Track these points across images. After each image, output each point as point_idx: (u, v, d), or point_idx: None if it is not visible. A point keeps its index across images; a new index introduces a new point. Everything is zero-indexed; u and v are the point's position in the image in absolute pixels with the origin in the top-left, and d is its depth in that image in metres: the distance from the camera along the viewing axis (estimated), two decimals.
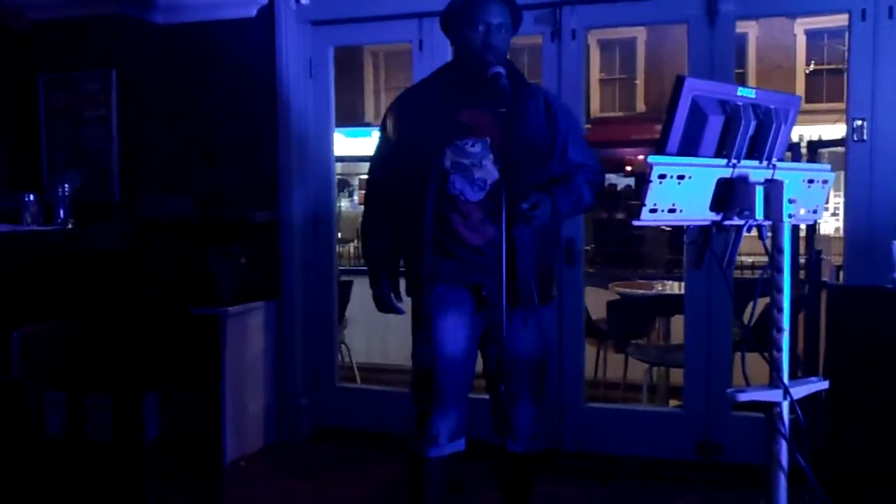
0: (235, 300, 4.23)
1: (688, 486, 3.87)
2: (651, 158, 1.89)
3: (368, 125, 19.72)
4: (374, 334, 5.49)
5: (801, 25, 18.00)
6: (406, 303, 2.93)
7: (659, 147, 1.98)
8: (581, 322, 4.22)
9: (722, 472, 3.90)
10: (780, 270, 1.98)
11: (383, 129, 2.89)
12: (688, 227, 2.16)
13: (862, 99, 3.73)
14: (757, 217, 1.98)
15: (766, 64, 18.03)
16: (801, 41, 18.59)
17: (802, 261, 3.77)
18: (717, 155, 2.03)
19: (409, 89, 2.97)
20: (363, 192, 3.03)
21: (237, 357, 4.23)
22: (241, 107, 4.48)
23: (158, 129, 4.54)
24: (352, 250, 12.97)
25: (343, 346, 5.30)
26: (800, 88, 17.86)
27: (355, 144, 14.99)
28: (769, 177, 2.03)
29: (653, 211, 1.92)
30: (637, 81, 20.10)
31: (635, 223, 1.93)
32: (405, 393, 4.50)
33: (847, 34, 3.81)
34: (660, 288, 5.66)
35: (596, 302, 4.99)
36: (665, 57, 18.88)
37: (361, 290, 5.49)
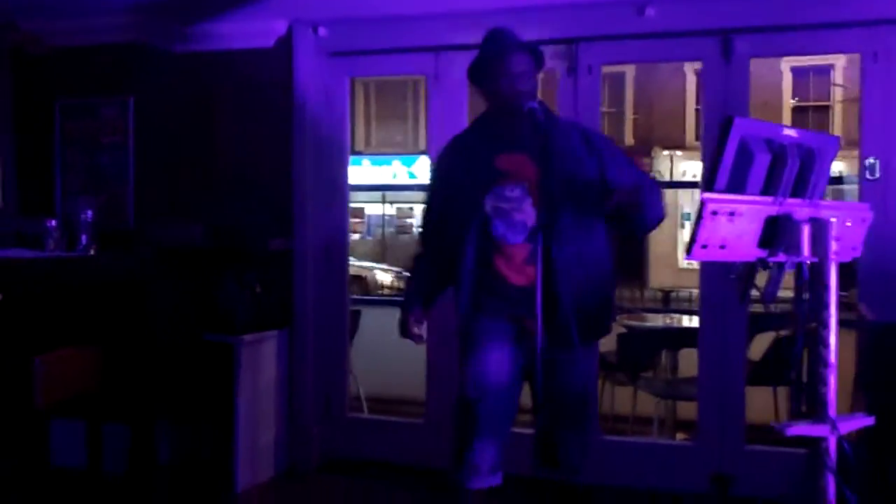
0: (249, 329, 4.23)
1: None
2: (705, 195, 1.93)
3: (359, 154, 19.83)
4: (382, 365, 5.48)
5: (787, 63, 18.31)
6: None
7: (708, 185, 2.02)
8: (597, 354, 4.24)
9: None
10: (826, 307, 2.02)
11: (432, 175, 3.05)
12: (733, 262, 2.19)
13: (874, 137, 3.81)
14: (804, 254, 2.03)
15: (753, 100, 18.26)
16: (788, 78, 18.90)
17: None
18: (763, 193, 2.08)
19: (455, 137, 3.05)
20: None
21: (250, 386, 4.22)
22: (256, 135, 4.51)
23: (174, 157, 4.55)
24: None
25: (351, 375, 5.28)
26: (786, 124, 18.15)
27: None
28: (813, 214, 2.08)
29: (704, 247, 1.96)
30: (626, 115, 20.36)
31: (688, 258, 1.97)
32: (416, 424, 4.56)
33: (860, 75, 3.88)
34: (668, 321, 5.72)
35: None
36: (653, 92, 19.18)
37: (370, 320, 5.52)
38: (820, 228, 2.03)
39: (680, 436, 4.88)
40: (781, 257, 2.06)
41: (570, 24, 4.08)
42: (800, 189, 2.12)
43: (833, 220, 2.03)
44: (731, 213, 1.96)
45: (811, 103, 18.93)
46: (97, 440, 3.69)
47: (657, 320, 6.04)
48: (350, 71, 4.58)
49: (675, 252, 19.36)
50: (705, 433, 4.10)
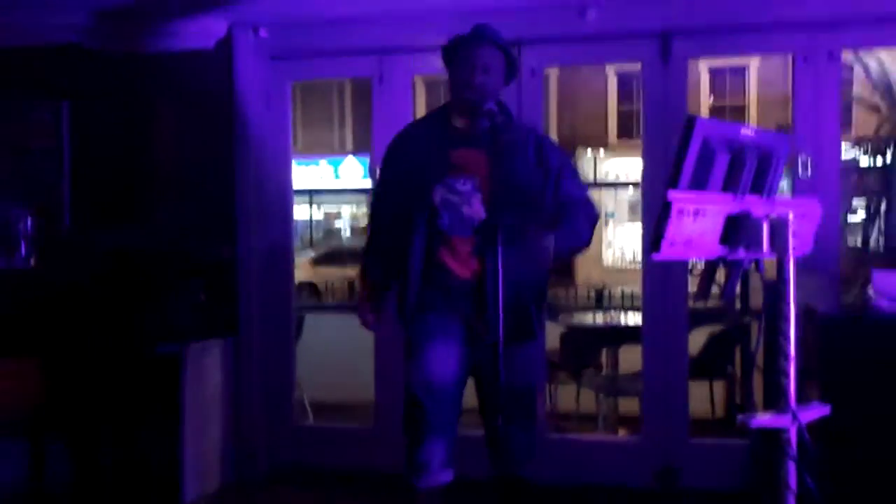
0: (194, 337, 4.14)
1: None
2: (672, 194, 1.97)
3: None
4: (326, 370, 5.46)
5: (704, 63, 18.80)
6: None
7: (671, 184, 2.07)
8: (543, 354, 4.29)
9: (681, 499, 4.01)
10: (786, 301, 2.09)
11: (382, 166, 2.99)
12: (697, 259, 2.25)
13: (806, 135, 3.94)
14: (763, 251, 2.10)
15: None
16: (705, 78, 19.42)
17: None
18: (724, 191, 2.14)
19: (406, 127, 3.07)
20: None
21: (196, 395, 4.13)
22: (198, 139, 4.42)
23: (113, 162, 4.41)
24: None
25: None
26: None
27: None
28: (771, 211, 2.15)
29: (672, 244, 2.00)
30: (550, 116, 20.62)
31: (656, 257, 2.01)
32: (363, 429, 4.54)
33: (792, 76, 4.01)
34: (607, 319, 5.84)
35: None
36: (576, 93, 19.47)
37: (313, 326, 5.48)
38: (779, 225, 2.10)
39: (622, 432, 4.97)
40: (741, 254, 2.13)
41: (512, 26, 4.05)
42: (757, 187, 2.19)
43: (791, 216, 2.10)
44: (696, 212, 2.01)
45: (728, 103, 19.48)
46: (39, 453, 3.58)
47: (596, 318, 6.15)
48: (292, 74, 4.52)
49: (601, 250, 19.68)
50: (650, 427, 4.18)
